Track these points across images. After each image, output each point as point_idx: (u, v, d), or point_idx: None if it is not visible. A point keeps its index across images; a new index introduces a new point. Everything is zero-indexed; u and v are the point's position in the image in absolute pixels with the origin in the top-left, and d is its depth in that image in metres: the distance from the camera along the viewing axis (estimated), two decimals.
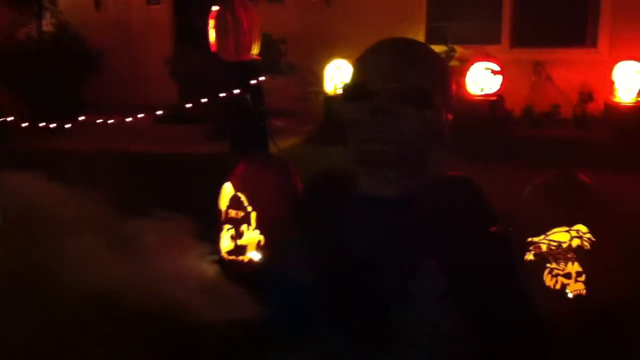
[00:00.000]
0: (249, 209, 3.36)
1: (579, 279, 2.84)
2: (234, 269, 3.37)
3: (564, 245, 2.84)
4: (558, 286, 2.86)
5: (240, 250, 3.41)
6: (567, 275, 2.85)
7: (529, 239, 2.92)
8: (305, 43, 7.22)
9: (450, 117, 3.50)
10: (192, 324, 2.79)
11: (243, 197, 3.37)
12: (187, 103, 6.73)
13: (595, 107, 6.39)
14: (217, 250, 3.50)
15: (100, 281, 2.96)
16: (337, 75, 6.76)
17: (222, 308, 2.83)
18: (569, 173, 2.97)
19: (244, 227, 3.39)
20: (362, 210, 3.36)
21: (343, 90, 3.45)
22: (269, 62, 6.93)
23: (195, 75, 7.14)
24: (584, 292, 2.84)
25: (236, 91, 6.06)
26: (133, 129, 6.74)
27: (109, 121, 6.68)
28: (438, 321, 2.71)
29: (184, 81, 7.74)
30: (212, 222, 3.59)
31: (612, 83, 5.78)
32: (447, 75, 3.61)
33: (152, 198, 3.91)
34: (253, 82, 6.14)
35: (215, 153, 6.24)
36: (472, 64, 6.22)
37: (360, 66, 3.35)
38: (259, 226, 3.35)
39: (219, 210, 3.49)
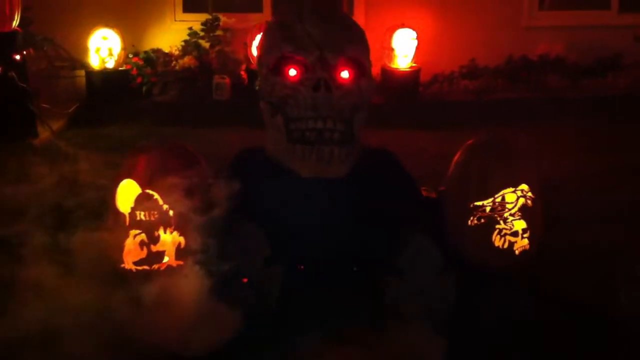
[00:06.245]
0: (165, 207, 2.82)
1: (524, 235, 2.99)
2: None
3: (510, 206, 2.96)
4: (506, 245, 2.99)
5: (154, 257, 2.86)
6: (515, 234, 2.98)
7: (473, 204, 2.99)
8: (57, 9, 6.22)
9: (375, 84, 3.41)
10: None
11: (156, 195, 2.82)
12: None
13: None
14: (119, 261, 2.88)
15: None
16: (104, 46, 5.97)
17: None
18: (497, 134, 3.10)
19: (160, 230, 2.84)
20: (304, 190, 3.09)
21: (270, 65, 3.09)
22: None
23: None
24: (527, 247, 3.01)
25: None
26: None
27: None
28: (436, 294, 2.65)
29: None
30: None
31: (391, 50, 6.13)
32: (367, 44, 3.48)
33: None
34: (17, 57, 5.16)
35: None
36: (257, 32, 6.04)
37: (284, 35, 3.04)
38: (177, 227, 2.85)
39: (119, 214, 2.87)
